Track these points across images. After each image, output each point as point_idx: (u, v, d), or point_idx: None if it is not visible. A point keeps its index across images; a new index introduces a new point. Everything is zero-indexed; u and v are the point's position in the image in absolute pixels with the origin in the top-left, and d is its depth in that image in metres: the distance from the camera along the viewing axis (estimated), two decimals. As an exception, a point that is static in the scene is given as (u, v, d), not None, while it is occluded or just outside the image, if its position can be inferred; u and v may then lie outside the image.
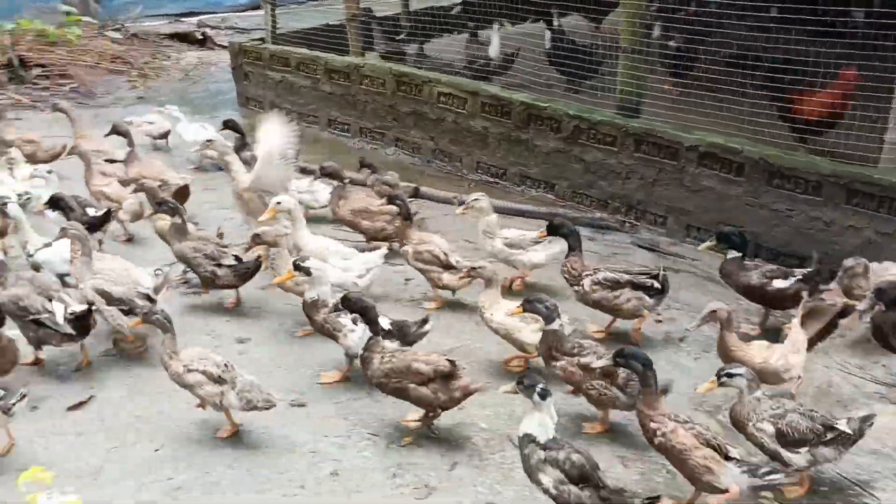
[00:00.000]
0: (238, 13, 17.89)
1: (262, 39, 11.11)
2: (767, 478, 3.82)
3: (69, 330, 4.89)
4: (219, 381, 4.37)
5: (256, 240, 5.71)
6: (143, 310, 4.86)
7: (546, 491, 3.73)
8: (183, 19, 16.93)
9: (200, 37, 15.63)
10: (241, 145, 8.08)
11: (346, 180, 7.06)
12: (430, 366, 4.38)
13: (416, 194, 8.02)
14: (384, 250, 6.06)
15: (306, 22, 12.67)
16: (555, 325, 4.56)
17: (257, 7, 17.00)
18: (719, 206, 6.87)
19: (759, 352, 4.75)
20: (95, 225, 6.26)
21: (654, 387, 4.03)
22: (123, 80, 12.98)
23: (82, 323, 4.91)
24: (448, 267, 5.94)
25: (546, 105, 7.85)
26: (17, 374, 4.95)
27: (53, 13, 14.36)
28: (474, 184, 8.53)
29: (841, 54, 6.63)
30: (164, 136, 9.56)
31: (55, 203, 6.25)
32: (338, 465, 4.30)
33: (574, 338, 4.74)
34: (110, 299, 5.12)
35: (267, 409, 4.38)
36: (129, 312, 5.08)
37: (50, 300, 4.96)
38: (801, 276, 5.51)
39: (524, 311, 4.67)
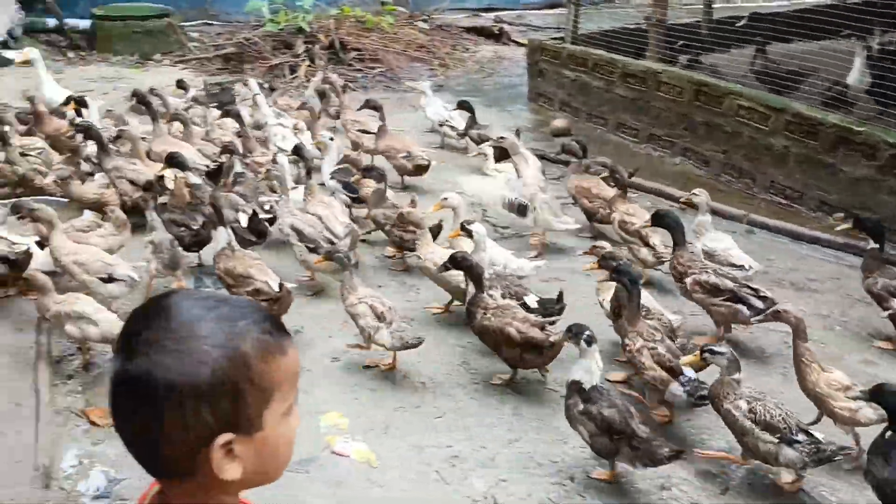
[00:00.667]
0: (533, 11, 18.36)
1: (561, 38, 11.34)
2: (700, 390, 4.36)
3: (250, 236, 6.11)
4: (380, 317, 4.96)
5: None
6: (327, 250, 5.64)
7: (583, 438, 4.18)
8: (482, 14, 17.69)
9: (497, 31, 16.24)
10: (471, 125, 9.11)
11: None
12: (521, 334, 4.78)
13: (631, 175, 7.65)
14: (538, 264, 6.11)
15: (599, 23, 12.75)
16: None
17: (553, 6, 17.40)
18: None
19: (836, 379, 4.37)
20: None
21: (636, 304, 4.63)
22: (426, 68, 13.83)
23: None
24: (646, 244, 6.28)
25: (861, 129, 7.31)
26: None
27: (372, 2, 15.64)
28: (764, 203, 8.16)
29: None
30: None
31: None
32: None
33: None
34: (301, 236, 6.04)
35: (416, 345, 4.97)
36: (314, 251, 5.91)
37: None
38: None
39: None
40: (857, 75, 8.37)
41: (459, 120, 9.44)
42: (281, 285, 5.24)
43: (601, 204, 7.07)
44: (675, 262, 5.58)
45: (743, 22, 10.96)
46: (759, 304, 5.19)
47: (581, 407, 4.13)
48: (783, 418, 4.03)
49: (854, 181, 7.40)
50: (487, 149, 8.01)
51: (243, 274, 5.37)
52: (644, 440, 4.00)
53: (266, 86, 10.39)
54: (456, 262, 5.20)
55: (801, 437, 3.99)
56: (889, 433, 3.83)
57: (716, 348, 4.28)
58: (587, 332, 4.19)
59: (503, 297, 5.28)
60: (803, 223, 7.64)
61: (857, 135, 7.31)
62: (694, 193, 6.49)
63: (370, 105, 8.74)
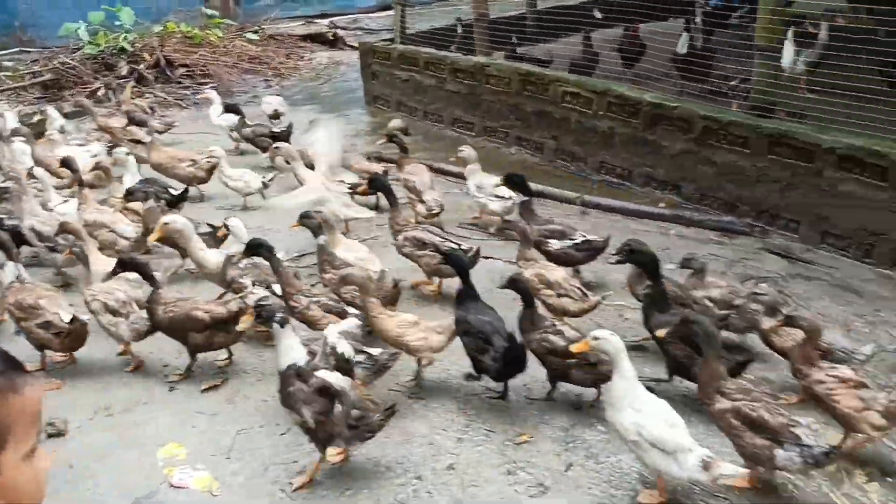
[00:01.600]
0: (368, 14, 18.37)
1: (391, 40, 11.36)
2: None
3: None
4: (114, 312, 5.13)
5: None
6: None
7: (303, 422, 4.02)
8: (316, 21, 17.52)
9: (332, 37, 16.14)
10: (242, 125, 9.45)
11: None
12: (208, 313, 4.98)
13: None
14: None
15: (434, 22, 12.89)
16: None
17: (387, 8, 17.45)
18: (860, 212, 6.52)
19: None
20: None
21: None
22: (260, 79, 13.56)
23: None
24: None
25: (676, 105, 7.67)
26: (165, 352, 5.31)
27: (198, 16, 15.17)
28: (597, 184, 8.44)
29: None
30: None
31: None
32: (454, 458, 4.35)
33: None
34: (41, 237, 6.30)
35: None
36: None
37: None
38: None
39: None
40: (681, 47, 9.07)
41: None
42: (73, 318, 5.01)
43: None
44: (391, 223, 6.28)
45: (598, 14, 11.34)
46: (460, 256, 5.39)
47: (303, 388, 3.98)
48: None
49: (674, 156, 7.76)
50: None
51: (33, 305, 5.07)
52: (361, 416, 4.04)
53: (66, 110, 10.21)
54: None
55: None
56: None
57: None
58: (279, 315, 4.12)
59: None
60: (633, 199, 7.97)
61: (673, 110, 7.68)
62: (460, 150, 7.52)
63: (135, 121, 8.96)
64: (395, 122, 10.38)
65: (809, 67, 8.57)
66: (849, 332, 5.50)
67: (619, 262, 5.29)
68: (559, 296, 5.35)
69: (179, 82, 12.83)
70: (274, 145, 7.83)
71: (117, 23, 13.68)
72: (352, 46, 15.42)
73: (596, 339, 4.07)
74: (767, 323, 4.83)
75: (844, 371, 4.23)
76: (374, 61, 11.30)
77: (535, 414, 4.73)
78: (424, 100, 10.54)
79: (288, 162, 7.48)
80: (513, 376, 4.76)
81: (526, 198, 6.38)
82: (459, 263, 5.10)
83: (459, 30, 10.93)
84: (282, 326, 4.10)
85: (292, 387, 4.02)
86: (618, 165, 8.33)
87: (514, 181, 6.50)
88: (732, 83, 8.15)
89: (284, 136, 8.80)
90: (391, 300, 5.43)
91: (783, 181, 6.98)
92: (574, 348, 4.30)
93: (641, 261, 5.11)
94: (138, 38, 13.57)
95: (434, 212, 7.08)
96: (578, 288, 5.40)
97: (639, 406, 3.88)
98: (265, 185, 7.94)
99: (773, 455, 3.79)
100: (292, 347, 4.10)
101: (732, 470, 3.67)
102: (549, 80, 8.83)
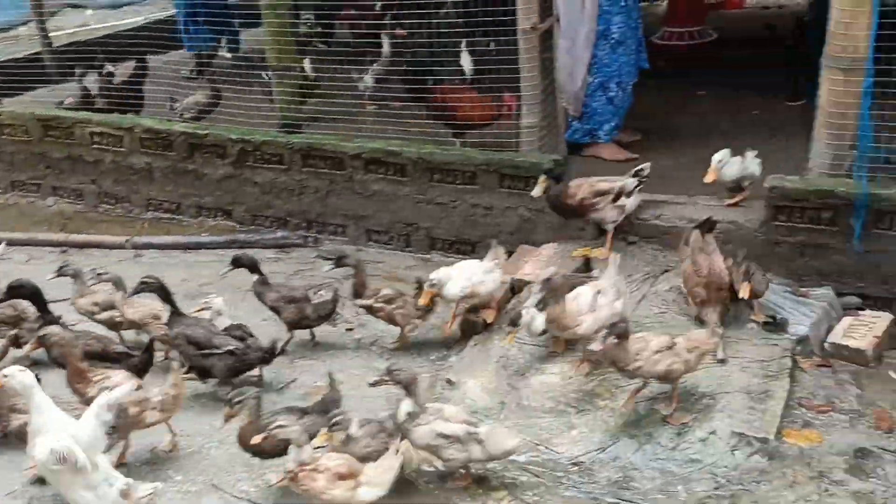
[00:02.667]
0: None
1: None
2: None
3: None
4: None
5: None
6: None
7: None
8: None
9: None
10: None
11: None
12: None
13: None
14: None
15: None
16: None
17: None
18: (391, 207, 7.13)
19: None
20: None
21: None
22: None
23: None
24: None
25: (206, 132, 7.66)
26: None
27: None
28: (149, 223, 8.11)
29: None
30: None
31: None
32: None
33: None
34: None
35: None
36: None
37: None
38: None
39: None
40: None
41: None
42: None
43: None
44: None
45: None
46: None
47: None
48: None
49: (218, 181, 7.76)
50: None
51: None
52: None
53: None
54: None
55: None
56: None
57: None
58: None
59: None
60: (189, 231, 7.81)
61: (205, 138, 7.65)
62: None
63: None
64: None
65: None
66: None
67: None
68: None
69: None
70: None
71: None
72: None
73: (5, 376, 3.89)
74: None
75: None
76: None
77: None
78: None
79: None
80: None
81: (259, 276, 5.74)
82: None
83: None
84: None
85: None
86: (165, 200, 8.09)
87: (241, 263, 5.76)
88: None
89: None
90: None
91: (322, 190, 7.35)
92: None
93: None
94: None
95: None
96: None
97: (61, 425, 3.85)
98: None
99: None
100: None
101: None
102: (71, 121, 8.25)
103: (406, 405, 4.08)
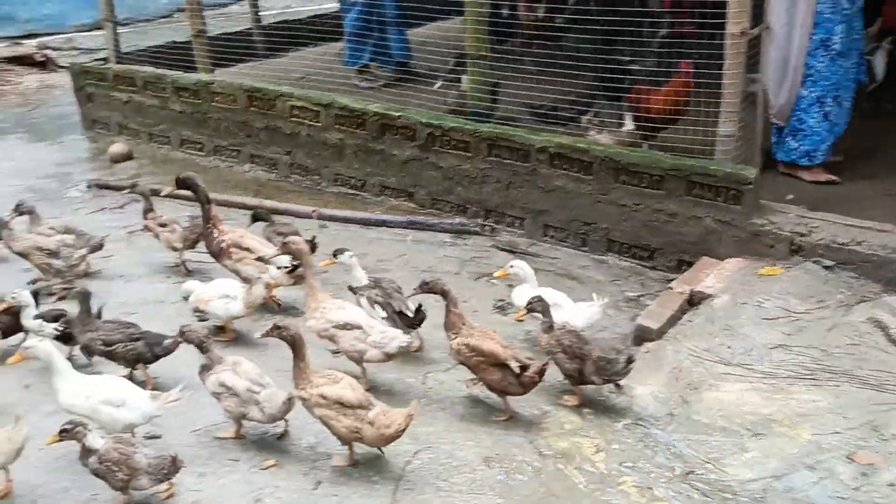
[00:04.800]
0: (84, 33, 17.10)
1: (105, 59, 10.65)
2: None
3: None
4: None
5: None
6: None
7: None
8: (22, 41, 16.03)
9: (41, 59, 14.86)
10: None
11: None
12: None
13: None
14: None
15: (156, 40, 12.26)
16: None
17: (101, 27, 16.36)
18: (571, 204, 7.06)
19: None
20: None
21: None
22: (-43, 107, 12.18)
23: None
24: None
25: (399, 114, 7.87)
26: None
27: None
28: (333, 196, 8.46)
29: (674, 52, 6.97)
30: None
31: None
32: (199, 495, 4.14)
33: None
34: None
35: None
36: None
37: None
38: None
39: None
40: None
41: None
42: None
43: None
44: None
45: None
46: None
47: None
48: None
49: (403, 163, 7.96)
50: None
51: None
52: None
53: None
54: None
55: None
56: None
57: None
58: None
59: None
60: (370, 208, 8.08)
61: (397, 119, 7.87)
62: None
63: None
64: (116, 147, 9.79)
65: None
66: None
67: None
68: None
69: None
70: None
71: None
72: (64, 68, 14.29)
73: (26, 348, 4.42)
74: None
75: None
76: (88, 83, 10.52)
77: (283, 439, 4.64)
78: (147, 121, 9.98)
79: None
80: None
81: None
82: None
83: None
84: None
85: None
86: (352, 176, 8.40)
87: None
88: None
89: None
90: None
91: (504, 181, 7.39)
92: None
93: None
94: None
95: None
96: None
97: (79, 382, 4.39)
98: None
99: None
100: None
101: (176, 395, 4.38)
102: (274, 95, 8.71)
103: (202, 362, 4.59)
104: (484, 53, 7.70)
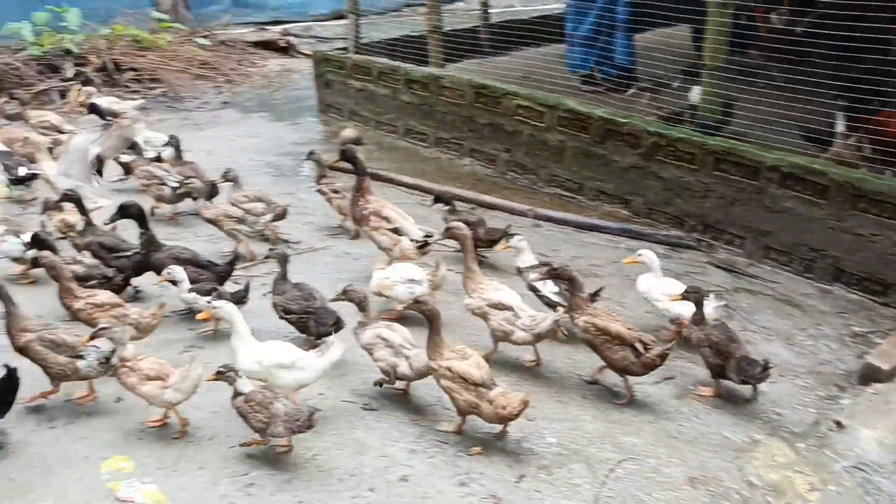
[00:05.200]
0: (321, 22, 18.25)
1: (345, 49, 11.33)
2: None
3: None
4: None
5: None
6: None
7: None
8: (268, 27, 17.35)
9: (284, 45, 16.00)
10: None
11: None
12: None
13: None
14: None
15: (386, 32, 12.90)
16: None
17: (339, 17, 17.37)
18: (800, 227, 6.71)
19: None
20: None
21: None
22: (210, 85, 13.39)
23: None
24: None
25: (625, 121, 7.81)
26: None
27: (146, 20, 14.93)
28: (548, 197, 8.53)
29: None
30: None
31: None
32: (409, 470, 4.35)
33: None
34: None
35: None
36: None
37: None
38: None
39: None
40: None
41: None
42: None
43: None
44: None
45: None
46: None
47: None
48: None
49: (624, 169, 7.89)
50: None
51: None
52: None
53: None
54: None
55: None
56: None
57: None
58: None
59: None
60: (584, 212, 8.08)
61: (622, 126, 7.81)
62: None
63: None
64: (348, 132, 10.38)
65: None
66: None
67: None
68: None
69: (127, 86, 12.61)
70: None
71: (63, 24, 13.38)
72: (304, 54, 15.33)
73: (214, 307, 4.81)
74: None
75: None
76: (327, 70, 11.26)
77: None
78: (378, 110, 10.54)
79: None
80: None
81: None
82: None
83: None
84: None
85: None
86: (569, 178, 8.44)
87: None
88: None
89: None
90: None
91: (728, 197, 7.14)
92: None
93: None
94: (85, 39, 13.29)
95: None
96: None
97: (254, 348, 4.68)
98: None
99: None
100: None
101: (338, 350, 4.69)
102: (501, 93, 8.91)
103: (359, 317, 5.00)
104: (720, 64, 7.46)
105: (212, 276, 5.90)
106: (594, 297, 5.49)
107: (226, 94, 13.03)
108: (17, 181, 7.81)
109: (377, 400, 4.96)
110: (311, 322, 5.33)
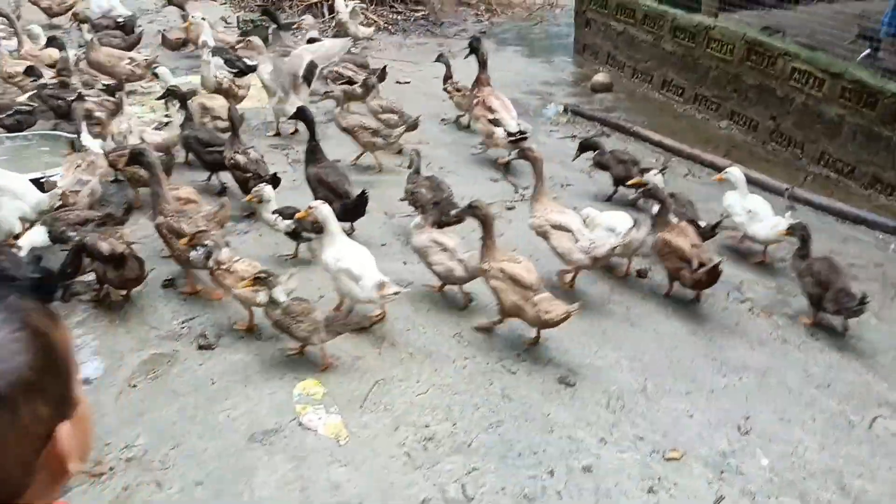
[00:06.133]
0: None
1: (612, -14, 10.68)
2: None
3: None
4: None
5: None
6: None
7: None
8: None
9: (551, -24, 15.50)
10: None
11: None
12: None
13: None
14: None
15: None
16: None
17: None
18: None
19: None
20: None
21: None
22: (472, 12, 13.27)
23: None
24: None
25: (926, 102, 6.66)
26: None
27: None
28: (812, 176, 7.56)
29: None
30: None
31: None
32: (596, 461, 4.00)
33: None
34: None
35: None
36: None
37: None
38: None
39: None
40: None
41: None
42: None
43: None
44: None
45: None
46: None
47: None
48: None
49: (913, 158, 6.78)
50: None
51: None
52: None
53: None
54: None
55: None
56: None
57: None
58: None
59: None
60: (853, 201, 7.06)
61: (920, 107, 6.67)
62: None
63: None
64: (599, 77, 9.84)
65: None
66: None
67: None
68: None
69: (392, 6, 12.78)
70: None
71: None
72: (571, -12, 14.78)
73: (311, 207, 4.95)
74: None
75: None
76: (589, 8, 10.68)
77: (692, 427, 4.28)
78: (636, 56, 9.86)
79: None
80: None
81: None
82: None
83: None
84: None
85: None
86: (840, 159, 7.39)
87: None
88: None
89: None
90: None
91: None
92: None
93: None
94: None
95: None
96: None
97: (339, 248, 4.84)
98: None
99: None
100: None
101: (396, 288, 4.70)
102: (777, 52, 7.92)
103: (417, 219, 5.28)
104: None
105: (338, 206, 5.69)
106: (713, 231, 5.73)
107: (484, 24, 12.85)
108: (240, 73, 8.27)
109: (575, 374, 4.61)
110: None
